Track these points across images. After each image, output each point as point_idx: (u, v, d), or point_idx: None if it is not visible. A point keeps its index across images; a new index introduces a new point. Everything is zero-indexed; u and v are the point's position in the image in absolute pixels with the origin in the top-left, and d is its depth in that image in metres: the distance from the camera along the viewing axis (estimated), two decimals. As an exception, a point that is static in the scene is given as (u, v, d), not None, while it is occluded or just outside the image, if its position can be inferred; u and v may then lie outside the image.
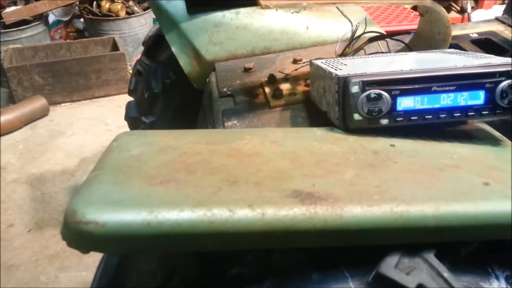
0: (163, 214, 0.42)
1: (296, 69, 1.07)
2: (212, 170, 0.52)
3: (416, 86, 0.65)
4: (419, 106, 0.66)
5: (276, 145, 0.61)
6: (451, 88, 0.66)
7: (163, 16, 1.21)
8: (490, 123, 0.78)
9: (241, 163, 0.54)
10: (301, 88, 0.99)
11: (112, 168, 0.50)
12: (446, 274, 0.47)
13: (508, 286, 0.54)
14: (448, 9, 3.73)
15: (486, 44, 1.16)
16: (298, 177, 0.52)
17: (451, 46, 1.05)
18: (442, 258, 0.51)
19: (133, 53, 3.12)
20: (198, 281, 0.54)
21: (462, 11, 3.74)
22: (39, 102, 2.73)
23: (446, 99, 0.66)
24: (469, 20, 3.07)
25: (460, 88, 0.66)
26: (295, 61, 1.13)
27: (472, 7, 3.72)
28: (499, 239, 0.57)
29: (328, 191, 0.49)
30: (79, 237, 0.42)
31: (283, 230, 0.44)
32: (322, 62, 0.82)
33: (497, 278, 0.55)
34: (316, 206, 0.46)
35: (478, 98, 0.67)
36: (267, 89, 0.99)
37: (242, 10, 1.22)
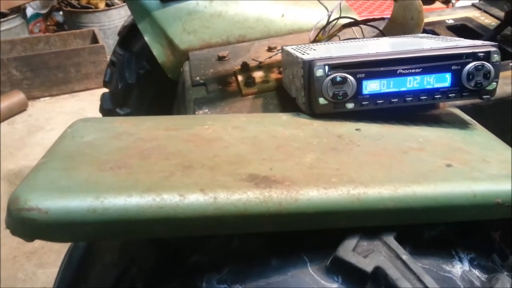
0: (110, 199, 0.41)
1: (270, 57, 1.05)
2: (167, 155, 0.50)
3: (382, 69, 0.65)
4: (385, 90, 0.65)
5: (238, 130, 0.59)
6: (417, 70, 0.65)
7: (135, 5, 1.19)
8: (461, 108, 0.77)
9: (198, 148, 0.53)
10: (274, 75, 0.98)
11: (62, 155, 0.49)
12: (405, 256, 0.46)
13: (471, 268, 0.54)
14: (433, -1, 3.75)
15: (462, 30, 1.16)
16: (256, 161, 0.51)
17: (426, 32, 1.04)
18: (404, 241, 0.50)
19: (113, 46, 3.07)
20: (157, 270, 0.53)
21: (447, 1, 3.76)
22: (17, 97, 2.67)
23: (412, 82, 0.66)
24: (452, 9, 3.07)
25: (426, 71, 0.65)
26: (270, 49, 1.11)
27: (457, -3, 3.74)
28: (464, 222, 0.57)
29: (285, 175, 0.47)
30: (22, 224, 0.40)
31: (236, 215, 0.43)
32: (292, 48, 0.81)
33: (460, 260, 0.54)
34: (271, 189, 0.45)
35: (444, 80, 0.66)
36: (240, 77, 0.98)
37: (217, -3, 1.20)
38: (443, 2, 3.79)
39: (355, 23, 1.05)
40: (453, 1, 3.72)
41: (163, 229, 0.43)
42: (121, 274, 0.55)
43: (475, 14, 1.21)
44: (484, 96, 0.67)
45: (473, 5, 1.27)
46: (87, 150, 0.50)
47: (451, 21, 1.18)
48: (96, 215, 0.40)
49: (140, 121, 0.60)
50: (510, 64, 0.96)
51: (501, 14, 1.14)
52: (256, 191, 0.44)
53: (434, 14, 1.25)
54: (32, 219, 0.40)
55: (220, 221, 0.43)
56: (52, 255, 1.72)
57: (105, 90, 1.49)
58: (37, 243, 1.81)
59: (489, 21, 1.15)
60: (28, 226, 0.40)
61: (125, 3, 3.11)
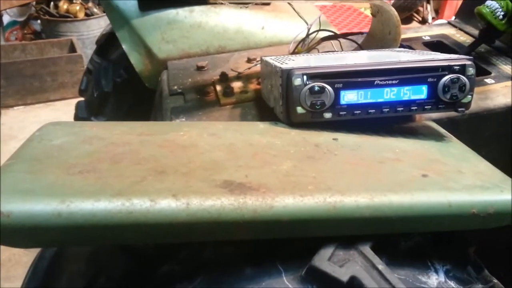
0: (76, 204, 0.39)
1: (249, 68, 1.05)
2: (140, 160, 0.48)
3: (359, 79, 0.65)
4: (362, 100, 0.65)
5: (214, 137, 0.58)
6: (394, 82, 0.65)
7: (113, 13, 1.17)
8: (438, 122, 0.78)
9: (172, 153, 0.51)
10: (253, 86, 0.97)
11: (28, 157, 0.47)
12: (381, 266, 0.46)
13: (447, 280, 0.54)
14: (410, 19, 3.86)
15: (438, 46, 1.18)
16: (232, 168, 0.49)
17: (403, 48, 1.06)
18: (381, 251, 0.50)
19: (92, 56, 3.03)
20: (127, 279, 0.51)
21: (424, 21, 3.87)
22: (-10, 105, 2.61)
23: (389, 93, 0.66)
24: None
25: (403, 83, 0.66)
26: (249, 60, 1.11)
27: (433, 18, 3.86)
28: (440, 233, 0.56)
29: (261, 182, 0.46)
30: None
31: (210, 221, 0.42)
32: (271, 58, 0.81)
33: (436, 271, 0.54)
34: (246, 196, 0.44)
35: (421, 92, 0.66)
36: (218, 87, 0.97)
37: (197, 8, 1.20)
38: (420, 22, 3.91)
39: (334, 36, 1.06)
40: (429, 22, 3.83)
41: (132, 236, 0.41)
42: (88, 284, 0.52)
43: (450, 31, 1.24)
44: (459, 109, 0.67)
45: (449, 23, 1.30)
46: (55, 153, 0.48)
47: (427, 38, 1.21)
48: (61, 220, 0.38)
49: (112, 126, 0.58)
50: (484, 80, 0.98)
51: (476, 32, 1.17)
52: (230, 198, 0.43)
53: (411, 30, 1.27)
54: None
55: (193, 227, 0.42)
56: (19, 268, 1.66)
57: (82, 99, 1.45)
58: (4, 255, 1.74)
59: (464, 38, 1.18)
60: None
61: (105, 14, 3.08)
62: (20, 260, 1.65)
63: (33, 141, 0.51)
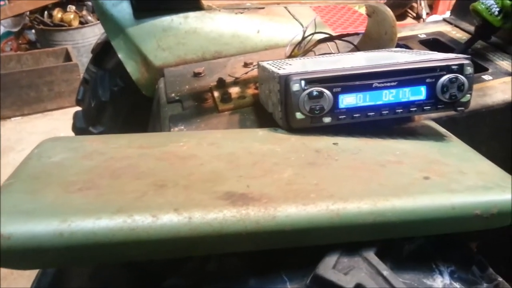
0: (78, 223, 0.39)
1: (246, 73, 1.05)
2: (139, 175, 0.48)
3: (357, 83, 0.64)
4: (361, 103, 0.65)
5: (214, 147, 0.58)
6: (392, 84, 0.65)
7: (108, 21, 1.17)
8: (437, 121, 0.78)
9: (172, 166, 0.51)
10: (250, 91, 0.97)
11: (27, 176, 0.46)
12: (385, 272, 0.45)
13: (452, 281, 0.53)
14: (404, 16, 3.86)
15: (434, 44, 1.18)
16: (233, 178, 0.49)
17: (400, 47, 1.06)
18: (385, 256, 0.50)
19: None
20: (131, 294, 0.51)
21: (418, 17, 3.87)
22: (-12, 116, 2.61)
23: (388, 95, 0.66)
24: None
25: (401, 84, 0.65)
26: (246, 65, 1.10)
27: (427, 13, 3.86)
28: (443, 235, 0.56)
29: (263, 192, 0.46)
30: None
31: (212, 234, 0.41)
32: (268, 63, 0.80)
33: (441, 273, 0.53)
34: (248, 207, 0.43)
35: (419, 93, 0.66)
36: (216, 93, 0.96)
37: (191, 14, 1.20)
38: (414, 18, 3.91)
39: (330, 38, 1.05)
40: (423, 17, 3.84)
41: (135, 252, 0.41)
42: (92, 301, 0.52)
43: (446, 28, 1.24)
44: (458, 108, 0.67)
45: (444, 20, 1.30)
46: (55, 171, 0.47)
47: (423, 36, 1.20)
48: (63, 240, 0.38)
49: (112, 139, 0.58)
50: (482, 76, 0.98)
51: (471, 28, 1.16)
52: (232, 210, 0.43)
53: (406, 29, 1.27)
54: None
55: (196, 241, 0.41)
56: (22, 281, 1.65)
57: (79, 108, 1.45)
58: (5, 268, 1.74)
59: (460, 35, 1.18)
60: None
61: (99, 22, 3.08)
62: (22, 273, 1.64)
63: (32, 159, 0.50)
